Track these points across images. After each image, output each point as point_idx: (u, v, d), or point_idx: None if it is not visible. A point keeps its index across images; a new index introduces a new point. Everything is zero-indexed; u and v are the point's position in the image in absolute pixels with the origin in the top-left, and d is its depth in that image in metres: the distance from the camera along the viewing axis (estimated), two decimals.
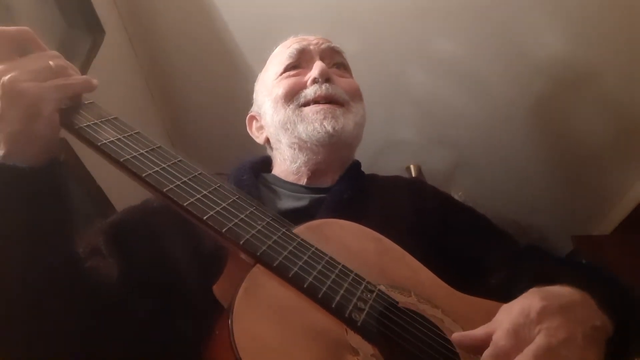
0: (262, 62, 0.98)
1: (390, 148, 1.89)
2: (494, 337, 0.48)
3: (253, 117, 0.98)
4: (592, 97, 1.63)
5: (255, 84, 1.01)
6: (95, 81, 0.61)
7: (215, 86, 1.82)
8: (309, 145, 0.82)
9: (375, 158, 1.92)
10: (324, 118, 0.81)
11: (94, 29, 1.39)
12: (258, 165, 0.93)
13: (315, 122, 0.81)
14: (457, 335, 0.52)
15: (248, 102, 1.00)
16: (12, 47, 0.58)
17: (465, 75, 1.65)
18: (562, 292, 0.52)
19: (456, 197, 1.91)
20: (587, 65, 1.55)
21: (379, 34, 1.58)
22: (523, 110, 1.72)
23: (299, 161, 0.85)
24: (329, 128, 0.80)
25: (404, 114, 1.81)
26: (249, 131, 0.99)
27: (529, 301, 0.50)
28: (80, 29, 1.37)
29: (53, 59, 0.58)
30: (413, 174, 1.98)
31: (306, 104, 0.84)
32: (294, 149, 0.85)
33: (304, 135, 0.82)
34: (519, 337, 0.46)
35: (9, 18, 1.17)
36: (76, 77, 0.59)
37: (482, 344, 0.49)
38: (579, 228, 2.00)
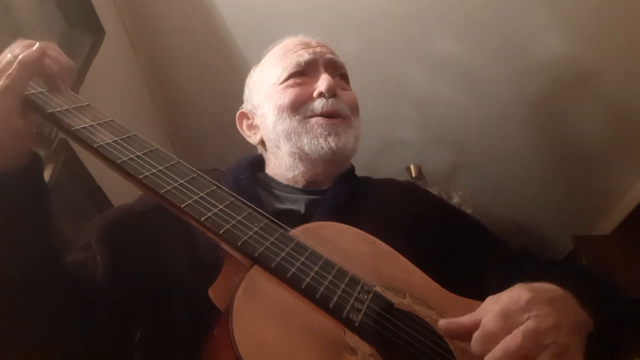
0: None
1: (390, 148, 1.89)
2: (483, 321, 0.50)
3: (244, 115, 0.97)
4: (592, 96, 1.62)
5: (248, 80, 0.99)
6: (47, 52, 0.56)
7: (215, 86, 1.82)
8: (311, 158, 0.83)
9: (375, 158, 1.92)
10: (329, 134, 0.82)
11: (94, 29, 1.40)
12: (255, 164, 0.93)
13: (320, 137, 0.82)
14: (443, 322, 0.53)
15: None
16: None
17: (465, 75, 1.65)
18: (547, 287, 0.54)
19: (456, 197, 1.91)
20: (587, 65, 1.54)
21: (379, 34, 1.58)
22: (523, 110, 1.72)
23: (297, 170, 0.85)
24: (333, 145, 0.81)
25: (404, 114, 1.81)
26: (238, 128, 0.98)
27: (518, 292, 0.52)
28: (80, 29, 1.37)
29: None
30: (413, 174, 1.98)
31: (312, 116, 0.85)
32: (294, 158, 0.85)
33: (306, 148, 0.83)
34: (508, 321, 0.48)
35: (9, 18, 1.17)
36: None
37: (468, 332, 0.50)
38: (579, 228, 2.00)
